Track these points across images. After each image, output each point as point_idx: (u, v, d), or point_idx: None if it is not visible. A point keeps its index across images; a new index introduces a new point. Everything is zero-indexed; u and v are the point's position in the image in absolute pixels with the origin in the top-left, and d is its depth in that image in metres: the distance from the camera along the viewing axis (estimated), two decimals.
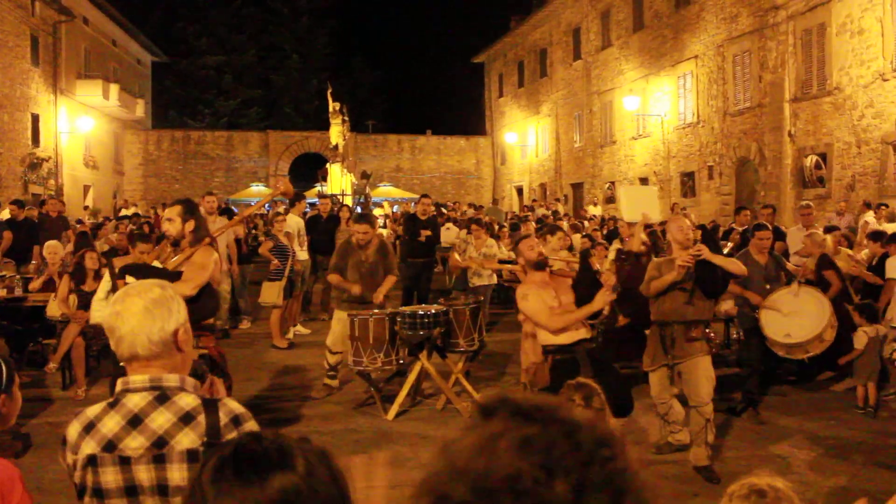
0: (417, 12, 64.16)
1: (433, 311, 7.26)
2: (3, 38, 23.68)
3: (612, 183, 27.58)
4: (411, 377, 7.29)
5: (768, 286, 7.09)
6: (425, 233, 11.18)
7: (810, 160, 18.08)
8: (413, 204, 17.35)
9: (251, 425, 2.02)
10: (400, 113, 49.36)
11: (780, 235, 10.24)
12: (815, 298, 6.93)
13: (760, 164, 19.75)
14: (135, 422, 1.94)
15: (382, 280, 7.75)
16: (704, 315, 5.77)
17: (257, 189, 33.04)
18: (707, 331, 5.57)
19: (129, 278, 4.26)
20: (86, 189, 29.12)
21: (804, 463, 5.88)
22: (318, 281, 12.10)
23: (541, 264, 5.42)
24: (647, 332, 6.25)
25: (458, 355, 7.57)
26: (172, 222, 4.78)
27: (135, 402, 1.97)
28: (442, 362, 7.62)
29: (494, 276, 10.27)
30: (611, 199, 27.47)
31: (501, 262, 9.11)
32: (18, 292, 9.32)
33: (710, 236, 5.64)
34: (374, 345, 7.04)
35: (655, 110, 24.52)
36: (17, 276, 9.74)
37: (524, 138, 34.98)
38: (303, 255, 11.41)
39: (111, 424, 1.95)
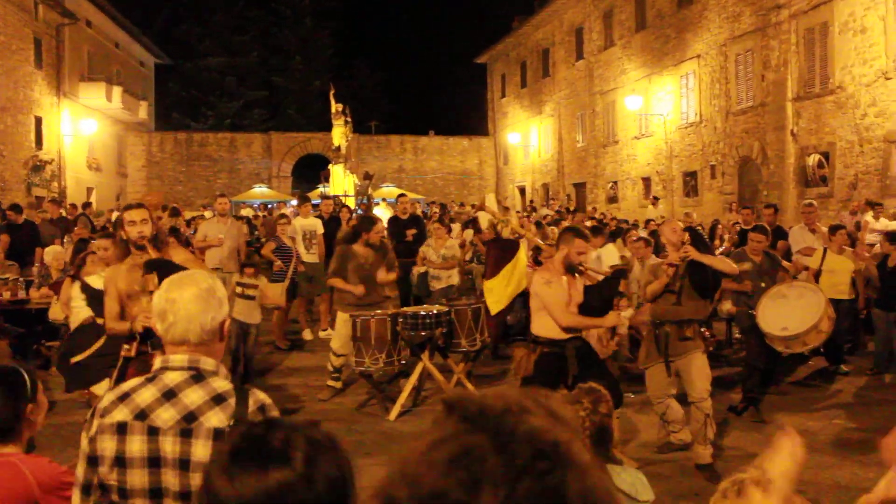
0: (420, 13, 64.39)
1: (435, 312, 7.29)
2: (7, 42, 23.75)
3: (615, 182, 27.59)
4: (413, 377, 7.31)
5: (763, 284, 7.13)
6: (410, 232, 11.00)
7: (813, 159, 18.05)
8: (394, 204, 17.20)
9: (275, 415, 2.12)
10: (402, 114, 49.48)
11: (782, 235, 10.23)
12: (810, 291, 6.96)
13: (763, 163, 19.73)
14: (169, 395, 2.03)
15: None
16: (698, 314, 5.81)
17: (260, 190, 33.08)
18: (703, 329, 5.63)
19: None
20: (89, 191, 29.17)
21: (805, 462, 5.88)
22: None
23: (574, 269, 5.50)
24: None
25: (460, 355, 7.60)
26: (147, 223, 4.78)
27: (171, 377, 2.06)
28: (444, 362, 7.64)
29: (455, 278, 10.19)
30: (613, 199, 27.49)
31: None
32: (21, 295, 9.36)
33: (699, 238, 5.77)
34: (375, 345, 7.07)
35: (658, 110, 24.51)
36: (20, 279, 9.77)
37: (527, 138, 34.97)
38: (311, 257, 10.92)
39: (146, 395, 2.03)
